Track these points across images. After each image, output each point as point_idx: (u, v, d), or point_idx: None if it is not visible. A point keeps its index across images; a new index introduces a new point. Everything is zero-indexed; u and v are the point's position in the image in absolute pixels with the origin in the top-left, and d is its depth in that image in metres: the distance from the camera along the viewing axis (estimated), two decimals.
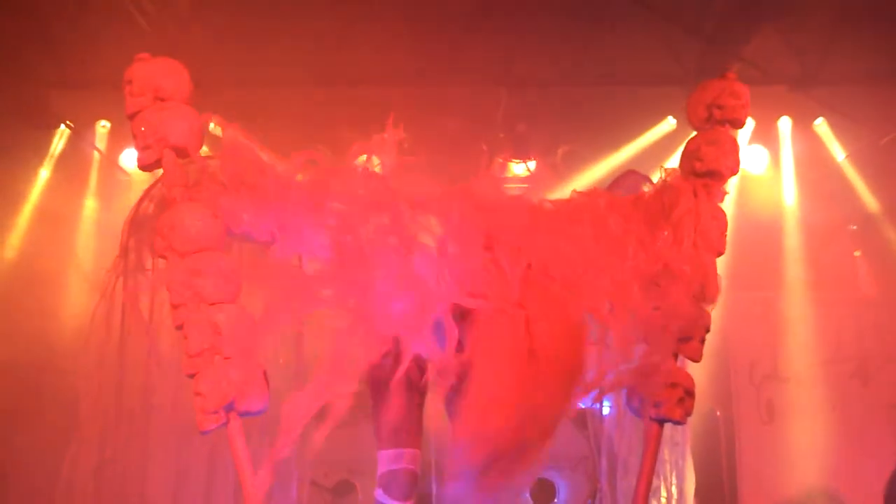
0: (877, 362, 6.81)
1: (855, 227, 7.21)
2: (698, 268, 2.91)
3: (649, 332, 2.86)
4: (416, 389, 2.88)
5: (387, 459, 2.85)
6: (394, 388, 2.77)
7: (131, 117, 2.77)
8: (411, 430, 2.87)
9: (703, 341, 2.96)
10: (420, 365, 2.88)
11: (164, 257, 2.73)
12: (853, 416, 6.49)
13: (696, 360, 2.97)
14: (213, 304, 2.64)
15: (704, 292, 2.94)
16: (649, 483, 2.94)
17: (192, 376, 2.64)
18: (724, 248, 3.02)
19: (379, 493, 2.85)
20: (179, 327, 2.68)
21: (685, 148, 3.07)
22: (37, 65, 6.06)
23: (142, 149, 2.75)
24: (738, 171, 3.04)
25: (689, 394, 2.92)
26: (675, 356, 2.95)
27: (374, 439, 2.89)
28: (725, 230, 3.01)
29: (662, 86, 6.19)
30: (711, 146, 2.98)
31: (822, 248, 7.03)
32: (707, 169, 2.98)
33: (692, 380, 2.95)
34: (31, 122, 6.45)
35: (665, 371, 2.87)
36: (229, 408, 2.59)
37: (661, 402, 2.88)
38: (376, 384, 2.87)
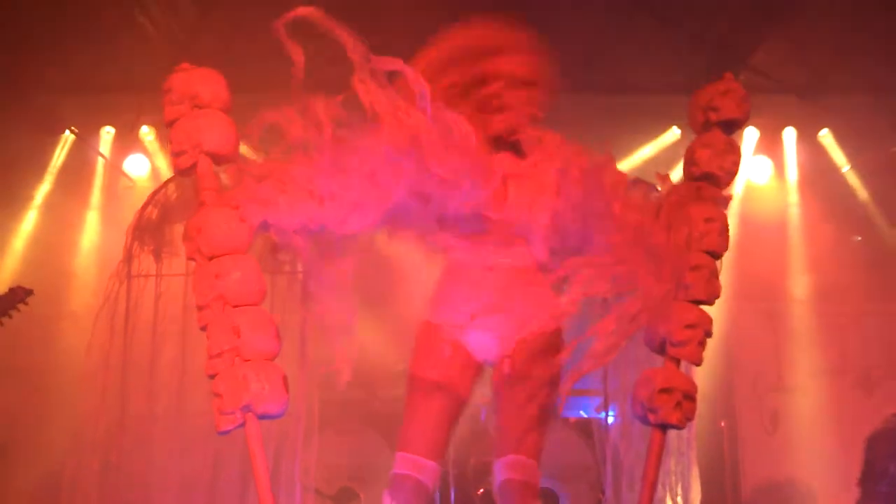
0: (881, 373, 6.80)
1: (859, 238, 7.20)
2: (684, 264, 2.86)
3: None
4: (458, 399, 2.84)
5: (401, 463, 2.79)
6: (436, 384, 2.77)
7: (169, 125, 2.82)
8: (438, 442, 2.80)
9: (702, 344, 2.91)
10: (470, 374, 2.87)
11: (192, 259, 2.76)
12: (857, 428, 6.46)
13: (697, 363, 2.92)
14: (235, 306, 2.67)
15: (704, 292, 2.92)
16: (653, 490, 2.91)
17: (212, 377, 2.66)
18: (725, 250, 2.98)
19: (385, 496, 2.80)
20: (203, 328, 2.70)
21: (685, 154, 3.08)
22: (42, 70, 6.07)
23: (177, 154, 2.79)
24: (736, 173, 3.02)
25: (689, 398, 2.86)
26: (677, 362, 2.92)
27: (395, 440, 2.84)
28: (726, 232, 2.98)
29: (669, 94, 6.18)
30: (705, 149, 2.98)
31: (826, 258, 7.01)
32: (702, 172, 2.98)
33: (692, 383, 2.89)
34: (35, 127, 6.46)
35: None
36: (246, 409, 2.60)
37: (656, 407, 2.83)
38: (414, 383, 2.85)
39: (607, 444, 4.67)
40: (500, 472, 2.79)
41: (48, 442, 5.62)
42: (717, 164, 2.97)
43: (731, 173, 3.00)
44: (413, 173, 2.69)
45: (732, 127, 3.02)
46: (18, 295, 4.23)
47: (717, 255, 2.98)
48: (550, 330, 2.82)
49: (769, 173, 7.14)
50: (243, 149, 2.92)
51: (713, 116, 2.99)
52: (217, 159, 2.79)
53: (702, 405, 2.95)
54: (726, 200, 3.04)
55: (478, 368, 2.88)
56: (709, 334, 2.94)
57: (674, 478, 3.82)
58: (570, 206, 2.82)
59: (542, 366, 2.81)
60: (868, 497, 4.09)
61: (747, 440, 6.72)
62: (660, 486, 3.22)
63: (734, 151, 3.01)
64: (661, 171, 3.13)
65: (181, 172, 2.83)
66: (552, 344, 2.84)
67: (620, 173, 2.96)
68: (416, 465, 2.76)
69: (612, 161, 2.97)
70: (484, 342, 2.85)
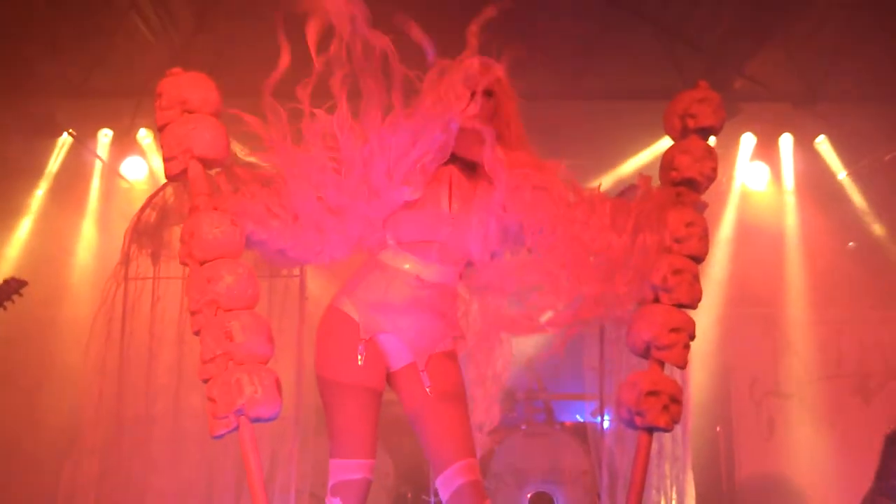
0: (878, 379, 6.81)
1: (854, 244, 7.22)
2: (648, 267, 2.90)
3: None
4: (375, 393, 2.88)
5: (342, 469, 2.83)
6: (350, 392, 2.83)
7: (160, 130, 2.83)
8: (370, 439, 2.85)
9: (687, 347, 2.94)
10: (381, 368, 2.91)
11: (185, 264, 2.77)
12: (854, 433, 6.47)
13: (681, 366, 2.95)
14: (228, 310, 2.68)
15: (687, 296, 2.94)
16: (640, 494, 2.93)
17: (205, 381, 2.67)
18: (705, 254, 3.02)
19: (332, 502, 2.82)
20: (197, 333, 2.71)
21: (662, 160, 3.11)
22: (41, 74, 6.08)
23: (168, 160, 2.80)
24: (714, 178, 3.06)
25: (675, 400, 2.90)
26: (661, 364, 2.95)
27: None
28: (706, 237, 3.01)
29: (666, 101, 6.19)
30: (684, 155, 3.01)
31: (823, 264, 7.03)
32: (682, 177, 3.01)
33: (677, 386, 2.92)
34: (34, 130, 6.47)
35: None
36: (240, 413, 2.61)
37: (644, 410, 2.86)
38: (330, 387, 2.88)
39: (603, 448, 4.70)
40: (452, 479, 2.84)
41: (45, 446, 5.62)
42: (697, 169, 3.01)
43: (710, 179, 3.05)
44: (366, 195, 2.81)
45: (707, 133, 3.07)
46: (12, 286, 4.25)
47: (698, 260, 3.01)
48: (452, 349, 3.00)
49: (766, 179, 7.17)
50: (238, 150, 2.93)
51: (691, 123, 3.03)
52: (208, 164, 2.79)
53: (698, 410, 2.96)
54: (704, 206, 3.07)
55: (385, 363, 2.95)
56: (692, 337, 2.97)
57: (669, 482, 3.85)
58: (517, 223, 2.89)
59: (449, 377, 2.93)
60: (879, 491, 4.18)
61: (743, 446, 6.72)
62: (655, 491, 3.24)
63: (712, 157, 3.06)
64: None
65: (172, 178, 2.84)
66: (453, 357, 3.00)
67: (571, 183, 3.00)
68: (357, 468, 2.82)
69: (562, 169, 3.00)
70: (396, 348, 2.91)
